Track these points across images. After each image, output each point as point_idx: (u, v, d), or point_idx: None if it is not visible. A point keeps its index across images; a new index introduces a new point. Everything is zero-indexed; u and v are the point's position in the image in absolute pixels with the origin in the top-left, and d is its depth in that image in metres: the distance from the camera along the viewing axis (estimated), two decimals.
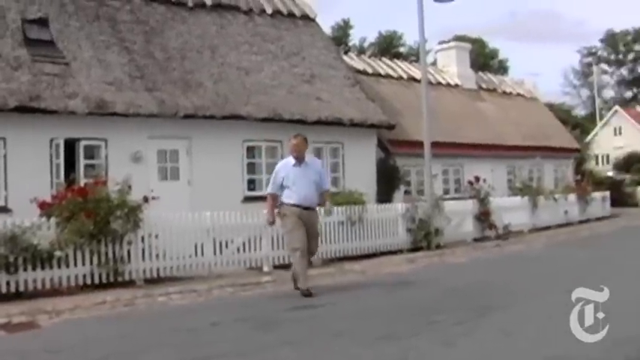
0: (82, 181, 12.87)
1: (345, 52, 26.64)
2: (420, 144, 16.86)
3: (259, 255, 12.77)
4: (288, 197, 9.96)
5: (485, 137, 24.76)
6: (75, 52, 14.57)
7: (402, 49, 68.16)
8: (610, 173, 42.63)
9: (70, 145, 13.85)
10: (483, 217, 18.23)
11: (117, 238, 10.90)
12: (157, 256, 11.43)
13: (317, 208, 10.40)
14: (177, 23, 16.95)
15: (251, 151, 16.54)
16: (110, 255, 10.81)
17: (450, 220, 16.68)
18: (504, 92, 29.85)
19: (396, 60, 27.69)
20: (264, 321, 7.91)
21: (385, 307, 8.42)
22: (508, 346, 6.31)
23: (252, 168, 16.56)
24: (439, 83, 25.98)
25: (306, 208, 9.96)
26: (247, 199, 15.86)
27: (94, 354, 6.59)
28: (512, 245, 17.25)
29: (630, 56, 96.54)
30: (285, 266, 12.92)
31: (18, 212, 11.38)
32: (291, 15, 19.86)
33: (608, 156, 58.21)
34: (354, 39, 71.31)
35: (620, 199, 31.43)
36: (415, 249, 15.43)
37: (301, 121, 16.63)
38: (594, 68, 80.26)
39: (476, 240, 17.70)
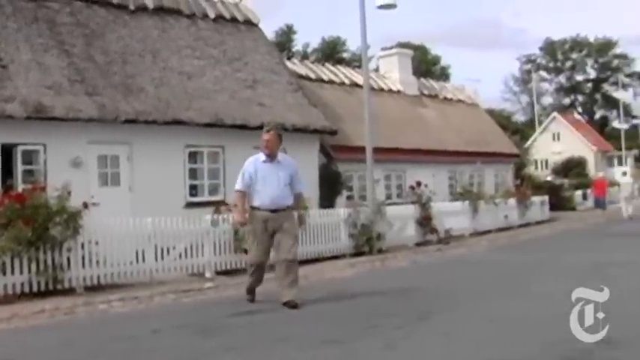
0: (20, 187, 12.61)
1: (289, 58, 26.72)
2: (362, 149, 16.97)
3: (201, 261, 12.70)
4: (254, 199, 9.08)
5: (427, 143, 25.05)
6: (13, 55, 14.28)
7: (345, 55, 68.63)
8: (549, 178, 43.48)
9: (7, 151, 13.55)
10: (425, 221, 18.43)
11: (56, 245, 10.69)
12: (98, 263, 11.26)
13: (290, 209, 9.27)
14: (118, 26, 16.76)
15: (193, 157, 16.45)
16: (49, 262, 10.60)
17: (392, 224, 16.83)
18: (446, 98, 30.25)
19: (339, 66, 27.86)
20: (205, 327, 7.87)
21: (327, 311, 8.46)
22: (448, 350, 6.39)
23: (194, 173, 16.47)
24: (381, 89, 26.21)
25: (275, 211, 8.97)
26: (189, 205, 15.77)
27: None
28: (453, 249, 17.48)
29: (568, 64, 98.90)
30: (228, 272, 12.92)
31: None
32: (234, 20, 19.82)
33: (547, 161, 59.44)
34: (297, 44, 71.60)
35: (558, 203, 32.14)
36: (358, 254, 15.52)
37: (243, 127, 16.62)
38: (533, 75, 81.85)
39: (418, 244, 17.88)
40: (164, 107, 15.63)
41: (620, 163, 64.63)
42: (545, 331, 6.95)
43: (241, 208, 9.24)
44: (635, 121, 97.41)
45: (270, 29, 64.90)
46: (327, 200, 18.54)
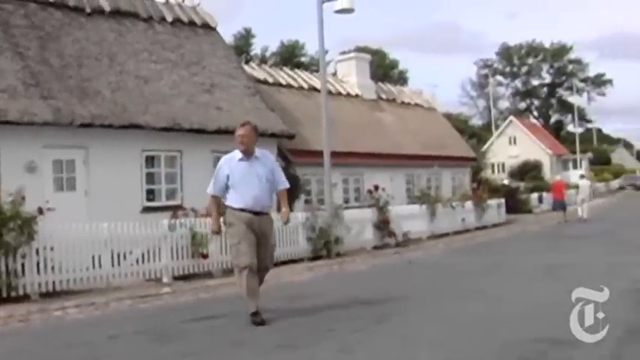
0: None
1: (247, 62, 26.68)
2: (320, 153, 17.02)
3: (158, 266, 12.63)
4: (233, 200, 8.22)
5: (385, 147, 25.19)
6: None
7: (304, 59, 68.77)
8: (505, 181, 44.04)
9: None
10: (383, 225, 18.54)
11: (10, 251, 10.54)
12: (53, 269, 11.12)
13: (270, 213, 8.61)
14: (74, 29, 16.60)
15: (150, 161, 16.34)
16: (3, 269, 10.45)
17: (350, 228, 16.91)
18: (403, 102, 30.46)
19: (297, 70, 27.91)
20: (162, 333, 7.83)
21: (284, 315, 8.46)
22: (405, 352, 6.44)
23: (151, 178, 16.36)
24: (339, 93, 26.31)
25: (257, 214, 8.18)
26: (146, 210, 15.68)
27: None
28: (411, 252, 17.60)
29: (524, 69, 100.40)
30: (186, 277, 12.86)
31: None
32: (191, 23, 19.76)
33: (503, 164, 60.17)
34: (256, 48, 71.48)
35: (515, 206, 32.55)
36: (316, 257, 15.57)
37: (201, 131, 16.59)
38: (490, 80, 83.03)
39: (375, 248, 17.98)
40: (120, 111, 15.52)
41: (575, 167, 65.61)
42: (502, 332, 7.05)
43: (216, 215, 8.52)
44: (589, 125, 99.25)
45: (228, 33, 64.93)
46: None
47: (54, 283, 11.14)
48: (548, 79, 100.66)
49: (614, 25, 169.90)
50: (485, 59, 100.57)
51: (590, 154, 75.64)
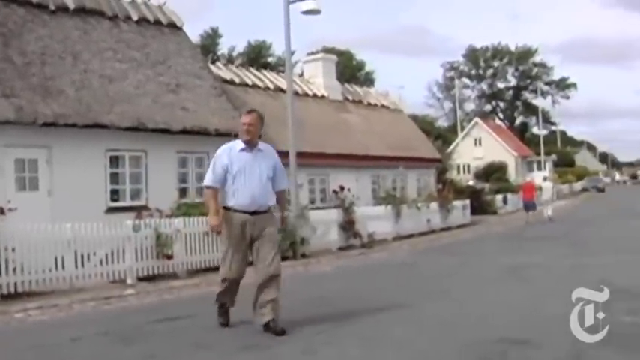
0: None
1: (213, 62, 26.56)
2: (285, 154, 16.96)
3: (123, 267, 12.54)
4: (229, 197, 7.41)
5: (351, 148, 25.24)
6: None
7: (270, 59, 68.67)
8: (471, 182, 44.41)
9: None
10: (348, 226, 18.59)
11: None
12: (15, 270, 10.99)
13: (272, 211, 7.69)
14: (37, 27, 16.39)
15: (114, 161, 16.16)
16: None
17: (315, 229, 16.93)
18: (370, 104, 30.53)
19: (263, 70, 27.83)
20: (126, 335, 7.78)
21: (248, 316, 8.44)
22: (368, 353, 6.47)
23: (115, 178, 16.18)
24: (306, 94, 26.30)
25: (254, 213, 7.34)
26: (111, 210, 15.52)
27: None
28: (376, 253, 17.69)
29: (489, 71, 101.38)
30: (150, 278, 12.79)
31: None
32: (157, 22, 19.61)
33: (469, 166, 60.64)
34: (222, 48, 71.22)
35: (480, 207, 32.87)
36: (281, 258, 15.49)
37: (166, 131, 16.50)
38: (456, 82, 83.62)
39: (341, 249, 18.03)
40: (85, 110, 15.36)
41: (539, 168, 66.29)
42: (464, 333, 7.11)
43: (214, 209, 7.41)
44: (553, 128, 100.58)
45: (195, 32, 64.74)
46: None
47: (16, 284, 11.00)
48: (513, 81, 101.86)
49: (578, 30, 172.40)
50: (452, 62, 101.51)
51: (554, 156, 76.62)
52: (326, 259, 16.21)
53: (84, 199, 14.68)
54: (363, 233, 19.00)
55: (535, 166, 68.89)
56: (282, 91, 23.23)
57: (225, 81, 22.06)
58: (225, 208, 7.41)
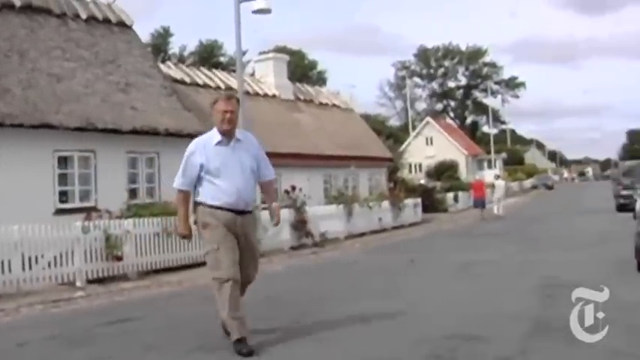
0: None
1: (163, 61, 26.36)
2: None
3: (72, 269, 12.39)
4: (209, 196, 6.49)
5: (302, 147, 25.27)
6: None
7: (222, 59, 68.33)
8: (422, 181, 44.82)
9: None
10: (300, 225, 18.63)
11: None
12: None
13: (254, 211, 7.08)
14: None
15: (63, 162, 15.91)
16: None
17: (267, 229, 16.84)
18: (321, 103, 30.63)
19: (214, 70, 27.74)
20: (74, 338, 7.68)
21: (199, 318, 8.39)
22: (319, 352, 6.48)
23: (64, 179, 15.93)
24: (257, 94, 26.27)
25: (240, 212, 6.53)
26: (59, 212, 15.27)
27: None
28: (328, 252, 17.75)
29: (440, 71, 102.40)
30: (100, 280, 12.65)
31: None
32: (106, 21, 19.37)
33: (420, 164, 61.20)
34: (174, 47, 70.63)
35: (431, 205, 33.24)
36: None
37: (115, 131, 16.30)
38: (407, 82, 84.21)
39: (293, 248, 18.05)
40: (32, 110, 15.09)
41: (489, 167, 67.21)
42: (415, 330, 7.17)
43: (184, 216, 6.66)
44: (503, 126, 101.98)
45: (146, 31, 64.14)
46: None
47: None
48: (463, 81, 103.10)
49: (529, 30, 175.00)
50: (403, 61, 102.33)
51: (504, 155, 77.68)
52: (278, 258, 16.20)
53: (32, 200, 14.39)
54: (315, 232, 19.04)
55: (485, 164, 69.80)
56: (234, 90, 23.17)
57: (176, 81, 21.92)
58: (209, 206, 6.48)
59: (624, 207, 26.51)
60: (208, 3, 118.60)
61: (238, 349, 6.28)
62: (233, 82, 24.11)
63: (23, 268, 11.66)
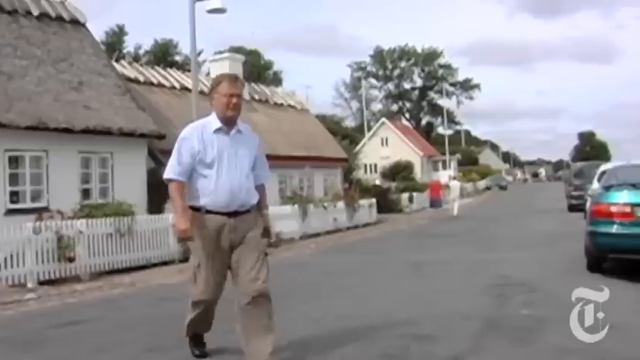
0: None
1: (117, 60, 26.07)
2: None
3: (22, 271, 12.22)
4: (200, 193, 5.61)
5: None
6: None
7: (178, 58, 67.88)
8: (377, 181, 45.05)
9: None
10: None
11: None
12: None
13: (255, 210, 5.90)
14: None
15: (14, 162, 15.63)
16: None
17: None
18: (276, 103, 30.60)
19: (169, 69, 27.53)
20: (24, 340, 7.57)
21: (152, 318, 8.35)
22: None
23: (15, 179, 15.64)
24: None
25: (234, 214, 5.62)
26: (10, 212, 15.01)
27: None
28: (282, 252, 17.72)
29: (396, 72, 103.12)
30: (52, 281, 12.50)
31: None
32: (59, 18, 19.10)
33: (375, 165, 61.45)
34: (129, 46, 69.92)
35: (386, 205, 33.45)
36: (186, 259, 15.37)
37: (68, 130, 16.09)
38: (363, 82, 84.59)
39: None
40: None
41: (444, 167, 67.94)
42: (367, 328, 7.22)
43: (181, 208, 5.59)
44: (458, 128, 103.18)
45: (100, 29, 63.42)
46: (156, 206, 18.20)
47: None
48: (419, 82, 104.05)
49: (484, 33, 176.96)
50: (359, 62, 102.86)
51: (458, 155, 78.58)
52: None
53: None
54: (271, 233, 19.00)
55: (440, 165, 70.50)
56: (188, 90, 23.01)
57: (130, 80, 21.73)
58: (194, 209, 5.62)
59: (575, 207, 27.08)
60: (163, 2, 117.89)
61: (197, 353, 6.20)
62: (188, 82, 23.99)
63: None
